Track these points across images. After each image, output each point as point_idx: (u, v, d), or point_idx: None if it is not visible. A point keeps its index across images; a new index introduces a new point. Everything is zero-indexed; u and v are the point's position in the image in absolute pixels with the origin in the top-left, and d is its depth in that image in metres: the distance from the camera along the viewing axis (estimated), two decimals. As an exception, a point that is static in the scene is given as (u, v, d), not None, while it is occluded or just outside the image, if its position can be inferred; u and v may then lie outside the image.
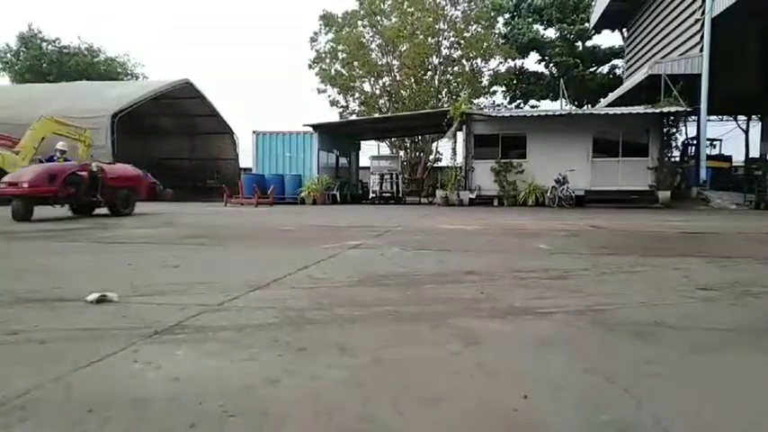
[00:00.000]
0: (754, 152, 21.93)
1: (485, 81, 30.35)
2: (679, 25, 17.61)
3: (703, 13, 15.64)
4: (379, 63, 29.05)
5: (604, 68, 31.61)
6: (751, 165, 18.77)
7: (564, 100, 21.92)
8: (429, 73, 29.26)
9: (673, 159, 16.67)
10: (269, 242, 5.70)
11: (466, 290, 2.87)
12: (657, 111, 14.73)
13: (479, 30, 28.77)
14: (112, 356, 1.73)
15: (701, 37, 15.69)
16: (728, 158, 20.85)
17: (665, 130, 15.95)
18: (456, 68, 29.46)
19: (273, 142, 18.98)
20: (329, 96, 29.98)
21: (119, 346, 1.81)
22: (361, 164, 24.74)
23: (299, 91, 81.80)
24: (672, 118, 15.76)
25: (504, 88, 31.74)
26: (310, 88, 41.29)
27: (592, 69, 31.07)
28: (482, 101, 29.51)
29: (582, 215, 10.70)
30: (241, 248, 5.01)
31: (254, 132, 19.10)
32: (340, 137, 21.18)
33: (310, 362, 1.69)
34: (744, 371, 1.69)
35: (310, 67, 29.87)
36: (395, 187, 19.90)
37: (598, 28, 26.69)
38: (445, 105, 23.68)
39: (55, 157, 9.85)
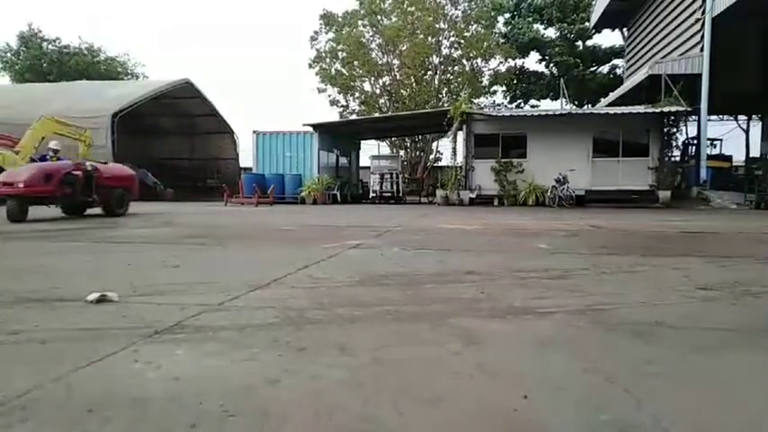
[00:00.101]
0: (755, 152, 21.95)
1: (485, 81, 30.36)
2: (679, 25, 17.60)
3: (704, 12, 15.63)
4: (380, 62, 29.05)
5: (605, 68, 31.64)
6: (751, 164, 18.76)
7: (564, 99, 21.93)
8: (429, 72, 29.26)
9: (673, 159, 16.66)
10: (269, 242, 5.70)
11: (466, 290, 2.87)
12: (658, 110, 14.72)
13: (480, 29, 28.78)
14: (112, 356, 1.73)
15: (702, 37, 15.69)
16: (729, 158, 20.84)
17: (665, 129, 15.93)
18: (456, 68, 29.46)
19: (273, 142, 18.96)
20: (329, 96, 30.06)
21: (119, 346, 1.81)
22: (362, 163, 24.73)
23: (299, 91, 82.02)
24: (672, 118, 15.75)
25: (504, 88, 31.74)
26: (310, 88, 41.53)
27: (592, 69, 31.06)
28: (482, 100, 29.51)
29: (582, 215, 10.70)
30: (241, 248, 5.01)
31: (254, 132, 19.09)
32: (340, 136, 21.16)
33: (310, 362, 1.69)
34: (744, 371, 1.69)
35: (310, 66, 29.92)
36: (395, 187, 19.89)
37: (598, 27, 26.66)
38: (445, 105, 23.66)
39: (47, 157, 9.78)
